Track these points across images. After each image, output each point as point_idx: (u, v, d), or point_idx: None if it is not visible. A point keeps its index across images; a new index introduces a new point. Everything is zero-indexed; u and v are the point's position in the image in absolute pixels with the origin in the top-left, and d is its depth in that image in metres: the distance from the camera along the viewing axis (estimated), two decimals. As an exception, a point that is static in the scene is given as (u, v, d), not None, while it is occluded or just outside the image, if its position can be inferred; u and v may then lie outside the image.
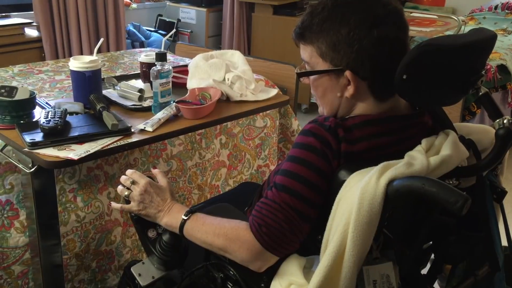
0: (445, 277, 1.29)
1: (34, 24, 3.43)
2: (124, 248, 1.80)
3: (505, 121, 0.98)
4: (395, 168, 0.91)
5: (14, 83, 2.04)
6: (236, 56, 1.96)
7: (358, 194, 0.89)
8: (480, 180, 1.11)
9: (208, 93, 1.71)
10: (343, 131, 0.99)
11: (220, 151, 2.08)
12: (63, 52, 3.55)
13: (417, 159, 0.95)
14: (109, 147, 1.39)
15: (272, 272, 1.02)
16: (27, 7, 3.63)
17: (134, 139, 1.45)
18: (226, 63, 1.85)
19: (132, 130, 1.48)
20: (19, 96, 1.45)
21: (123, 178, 1.23)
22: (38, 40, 3.43)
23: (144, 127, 1.50)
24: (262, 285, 1.06)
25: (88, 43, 3.59)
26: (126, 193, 1.20)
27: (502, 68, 3.10)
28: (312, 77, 1.08)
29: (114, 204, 1.25)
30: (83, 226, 1.65)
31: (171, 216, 1.15)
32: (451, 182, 1.03)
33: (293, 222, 0.97)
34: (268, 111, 2.18)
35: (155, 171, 1.26)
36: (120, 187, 1.22)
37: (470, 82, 1.02)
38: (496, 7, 4.14)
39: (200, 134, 1.98)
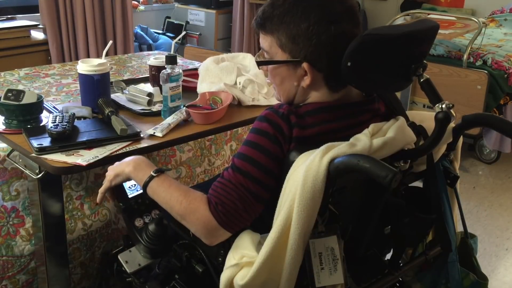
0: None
1: (41, 26, 3.40)
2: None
3: (443, 106, 1.03)
4: (338, 148, 0.98)
5: (20, 87, 2.00)
6: (247, 59, 1.91)
7: (303, 171, 0.96)
8: (430, 164, 1.20)
9: (219, 98, 1.67)
10: (296, 118, 1.06)
11: (230, 157, 2.03)
12: (69, 55, 3.52)
13: (361, 140, 1.02)
14: (118, 152, 1.34)
15: (229, 247, 1.09)
16: (33, 9, 3.59)
17: (143, 144, 1.41)
18: (237, 67, 1.80)
19: (142, 135, 1.44)
20: (27, 100, 1.41)
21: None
22: (44, 43, 3.40)
23: (154, 132, 1.45)
24: (220, 259, 1.15)
25: (95, 45, 3.55)
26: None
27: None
28: (270, 66, 1.14)
29: (101, 189, 1.27)
30: (90, 235, 1.60)
31: (139, 168, 1.18)
32: (400, 164, 1.12)
33: (247, 201, 1.04)
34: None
35: None
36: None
37: (412, 70, 1.07)
38: (517, 9, 4.08)
39: (210, 140, 1.93)
